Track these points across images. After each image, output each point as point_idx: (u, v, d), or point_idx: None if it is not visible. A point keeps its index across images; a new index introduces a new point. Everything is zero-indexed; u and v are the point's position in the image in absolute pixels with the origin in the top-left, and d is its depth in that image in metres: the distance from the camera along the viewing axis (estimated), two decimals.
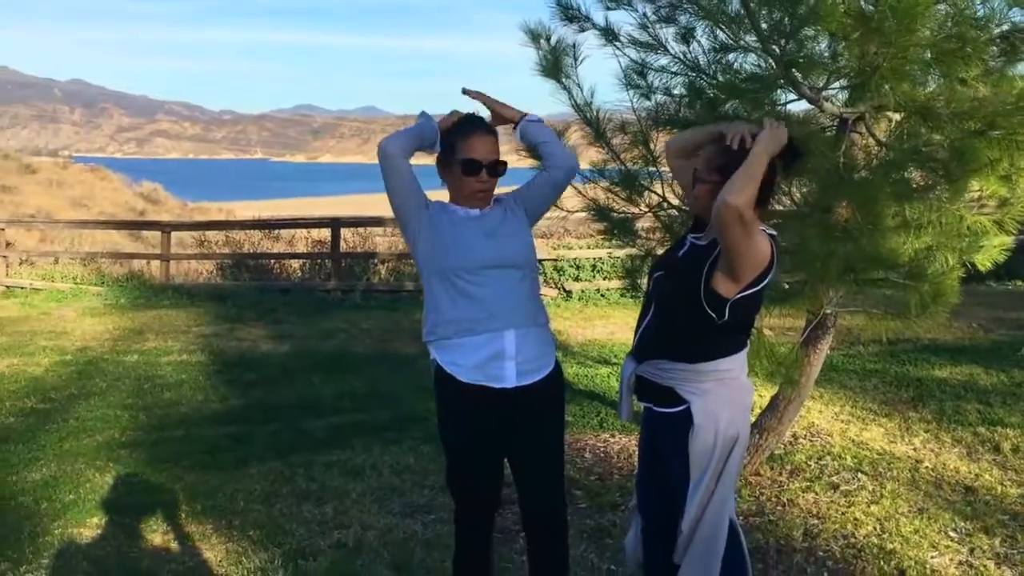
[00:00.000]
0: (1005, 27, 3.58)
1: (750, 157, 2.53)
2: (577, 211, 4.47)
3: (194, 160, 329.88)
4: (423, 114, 2.98)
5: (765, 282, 2.64)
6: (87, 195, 35.72)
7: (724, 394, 2.71)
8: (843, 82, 3.58)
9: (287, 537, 4.20)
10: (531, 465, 2.97)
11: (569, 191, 4.40)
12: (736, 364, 2.74)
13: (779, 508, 4.40)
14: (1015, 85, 3.63)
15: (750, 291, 2.62)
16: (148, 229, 19.69)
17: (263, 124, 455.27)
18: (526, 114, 3.03)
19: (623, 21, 4.24)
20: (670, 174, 4.25)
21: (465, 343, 2.84)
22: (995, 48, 3.69)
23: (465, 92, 3.03)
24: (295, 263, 14.56)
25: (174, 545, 4.20)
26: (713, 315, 2.63)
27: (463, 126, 2.91)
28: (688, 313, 2.67)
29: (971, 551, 3.90)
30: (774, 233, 2.69)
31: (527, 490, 3.00)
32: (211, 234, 15.98)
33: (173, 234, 14.48)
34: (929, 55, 3.39)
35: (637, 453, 3.08)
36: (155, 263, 14.51)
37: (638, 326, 2.88)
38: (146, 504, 4.68)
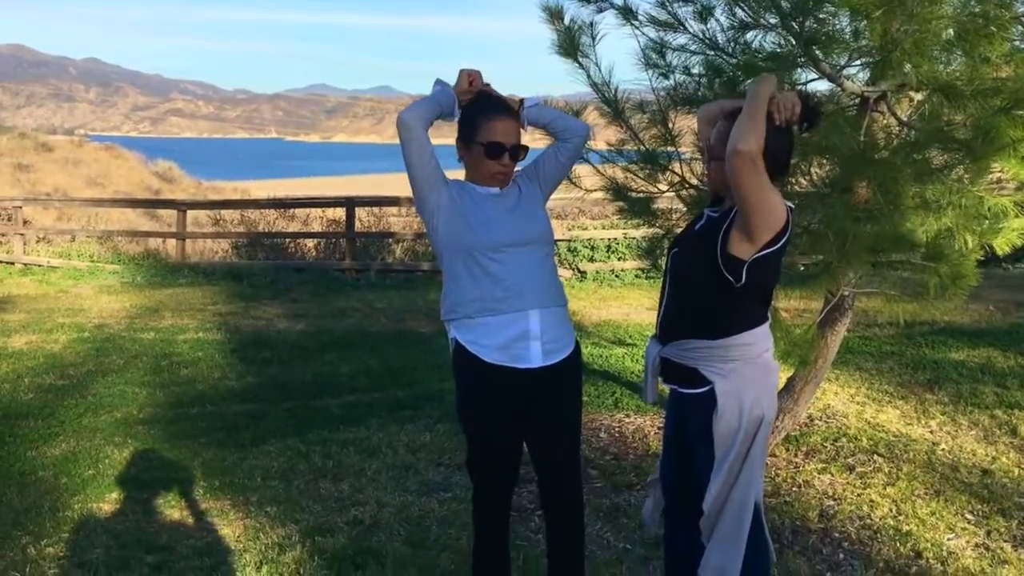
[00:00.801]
0: None
1: (747, 100, 2.52)
2: (596, 190, 4.45)
3: (208, 139, 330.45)
4: (438, 81, 2.96)
5: (781, 243, 2.58)
6: (103, 173, 35.84)
7: (749, 374, 2.68)
8: (864, 60, 3.54)
9: (304, 514, 4.23)
10: (551, 445, 2.98)
11: (587, 171, 4.39)
12: (759, 338, 2.71)
13: (795, 489, 4.40)
14: None
15: (767, 251, 2.56)
16: (164, 208, 19.75)
17: (277, 103, 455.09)
18: (523, 100, 3.01)
19: (641, 0, 4.22)
20: (687, 153, 4.24)
21: (488, 322, 2.82)
22: (1020, 26, 3.64)
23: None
24: (310, 242, 14.61)
25: (192, 520, 4.24)
26: (731, 278, 2.59)
27: (485, 107, 2.89)
28: (706, 283, 2.65)
29: (988, 533, 3.89)
30: (791, 205, 2.66)
31: (546, 469, 3.01)
32: (226, 213, 16.05)
33: (189, 213, 14.54)
34: (952, 33, 3.36)
35: (663, 433, 3.06)
36: (171, 242, 14.59)
37: (659, 308, 2.87)
38: (164, 480, 4.73)
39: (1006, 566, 3.59)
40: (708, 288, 2.66)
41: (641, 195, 4.35)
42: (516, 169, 2.98)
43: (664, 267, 2.91)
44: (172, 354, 7.78)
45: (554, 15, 4.16)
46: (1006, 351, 7.03)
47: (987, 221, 3.69)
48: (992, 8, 3.23)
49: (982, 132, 3.08)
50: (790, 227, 2.58)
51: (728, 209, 2.66)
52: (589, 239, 12.59)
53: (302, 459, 4.98)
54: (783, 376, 5.05)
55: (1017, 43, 3.69)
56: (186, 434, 5.51)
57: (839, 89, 3.60)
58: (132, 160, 40.66)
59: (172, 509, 4.38)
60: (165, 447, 5.27)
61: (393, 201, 14.25)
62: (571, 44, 4.12)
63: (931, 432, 5.20)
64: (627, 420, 5.56)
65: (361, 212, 14.61)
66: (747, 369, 2.69)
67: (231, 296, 11.20)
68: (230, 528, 4.12)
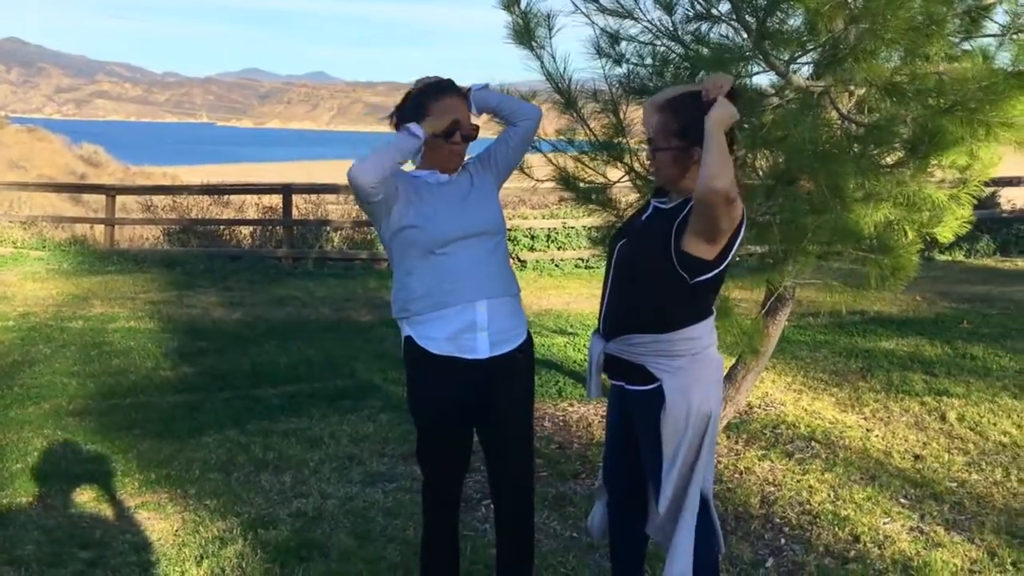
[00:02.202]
0: (968, 2, 3.62)
1: (707, 137, 2.46)
2: (547, 180, 4.45)
3: (136, 123, 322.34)
4: (405, 129, 2.72)
5: (739, 238, 2.61)
6: (25, 156, 34.66)
7: (696, 370, 2.67)
8: (811, 56, 3.59)
9: (245, 506, 4.16)
10: (502, 436, 2.96)
11: (538, 160, 4.38)
12: (704, 333, 2.70)
13: (736, 476, 4.46)
14: (975, 61, 3.68)
15: (728, 249, 2.59)
16: (92, 192, 19.16)
17: (208, 87, 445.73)
18: (469, 87, 2.97)
19: None
20: (636, 145, 4.24)
21: (438, 316, 2.79)
22: (956, 22, 3.73)
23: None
24: (245, 230, 14.35)
25: (128, 515, 4.13)
26: (684, 275, 2.58)
27: (434, 89, 2.85)
28: (656, 277, 2.63)
29: (921, 517, 4.00)
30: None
31: (497, 460, 2.99)
32: (157, 199, 15.68)
33: (118, 198, 14.16)
34: (894, 33, 3.41)
35: (606, 423, 3.05)
36: (99, 228, 14.20)
37: (602, 302, 2.83)
38: (98, 473, 4.60)
39: (940, 549, 3.70)
40: (658, 282, 2.63)
41: (591, 185, 4.36)
42: (467, 157, 2.95)
43: (608, 259, 2.85)
44: (103, 343, 7.58)
45: (512, 1, 4.12)
46: (933, 340, 7.24)
47: (928, 213, 3.78)
48: (935, 7, 3.29)
49: (927, 133, 3.14)
50: (744, 219, 2.60)
51: (679, 204, 2.65)
52: (529, 228, 12.61)
53: (242, 450, 4.89)
54: (725, 365, 5.13)
55: (955, 41, 3.78)
56: (120, 426, 5.37)
57: (786, 83, 3.64)
58: (56, 143, 39.41)
59: (107, 503, 4.26)
60: (98, 439, 5.12)
61: (331, 189, 14.08)
62: (527, 32, 4.10)
63: (865, 419, 5.33)
64: (571, 409, 5.59)
65: (298, 199, 14.40)
66: (694, 365, 2.67)
67: (163, 284, 10.94)
68: (168, 522, 4.03)
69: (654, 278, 2.65)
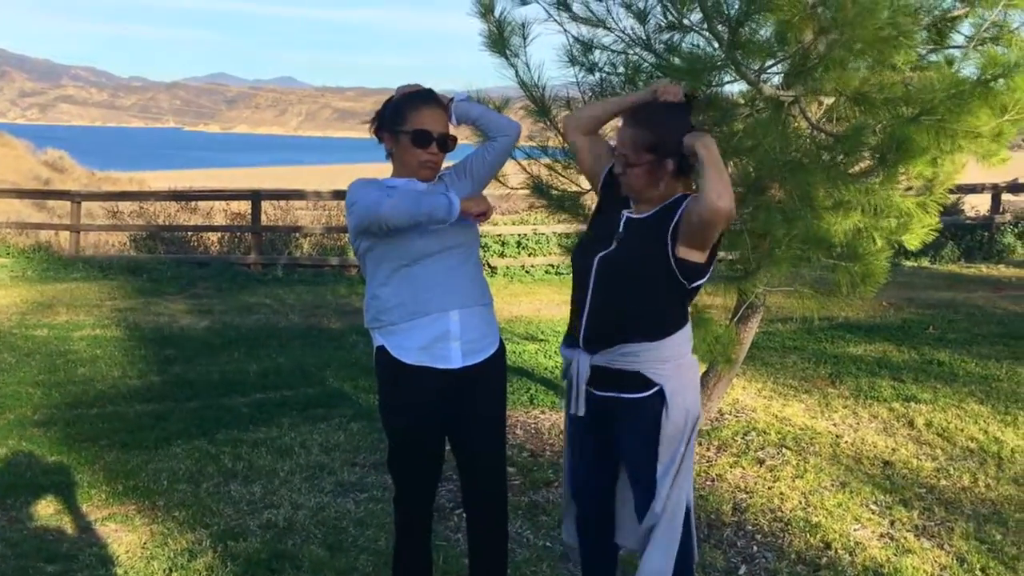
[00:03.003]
0: (935, 14, 3.67)
1: (704, 156, 2.52)
2: (521, 188, 4.45)
3: (102, 128, 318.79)
4: (448, 200, 2.72)
5: (723, 238, 2.72)
6: None
7: (686, 373, 2.72)
8: (783, 65, 3.62)
9: (215, 518, 4.11)
10: (474, 445, 2.95)
11: (511, 167, 4.38)
12: (687, 338, 2.76)
13: (708, 483, 4.48)
14: (943, 72, 3.73)
15: (717, 250, 2.71)
16: (56, 199, 18.88)
17: (175, 92, 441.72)
18: (452, 97, 2.97)
19: None
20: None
21: (411, 326, 2.79)
22: (924, 34, 3.78)
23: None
24: (213, 236, 14.21)
25: (95, 527, 4.06)
26: (683, 281, 2.65)
27: (413, 96, 2.85)
28: (650, 285, 2.65)
29: (891, 523, 4.03)
30: None
31: (469, 469, 2.99)
32: (123, 205, 15.48)
33: (83, 204, 13.98)
34: (863, 43, 3.45)
35: (569, 443, 2.98)
36: (64, 234, 14.01)
37: (579, 316, 2.77)
38: (64, 485, 4.52)
39: (910, 555, 3.73)
40: (652, 289, 2.66)
41: (564, 193, 4.37)
42: (446, 165, 2.94)
43: (584, 274, 2.77)
44: (68, 352, 7.46)
45: (487, 9, 4.13)
46: (900, 345, 7.32)
47: (896, 221, 3.82)
48: (903, 18, 3.33)
49: (895, 141, 3.18)
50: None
51: (657, 213, 2.68)
52: (500, 235, 12.60)
53: (211, 460, 4.83)
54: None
55: (921, 51, 3.83)
56: (86, 436, 5.29)
57: (757, 92, 3.67)
58: (19, 148, 38.80)
59: (73, 516, 4.19)
60: (63, 450, 5.04)
61: (300, 195, 14.00)
62: (501, 40, 4.10)
63: (834, 425, 5.37)
64: (543, 417, 5.58)
65: (267, 205, 14.30)
66: (684, 369, 2.72)
67: (130, 291, 10.81)
68: (136, 534, 3.97)
69: (647, 285, 2.66)
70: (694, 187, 2.70)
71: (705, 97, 2.77)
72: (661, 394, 2.67)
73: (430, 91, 2.89)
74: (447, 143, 2.85)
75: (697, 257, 2.63)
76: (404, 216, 2.67)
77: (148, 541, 3.90)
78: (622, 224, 2.77)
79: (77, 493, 4.42)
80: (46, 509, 4.26)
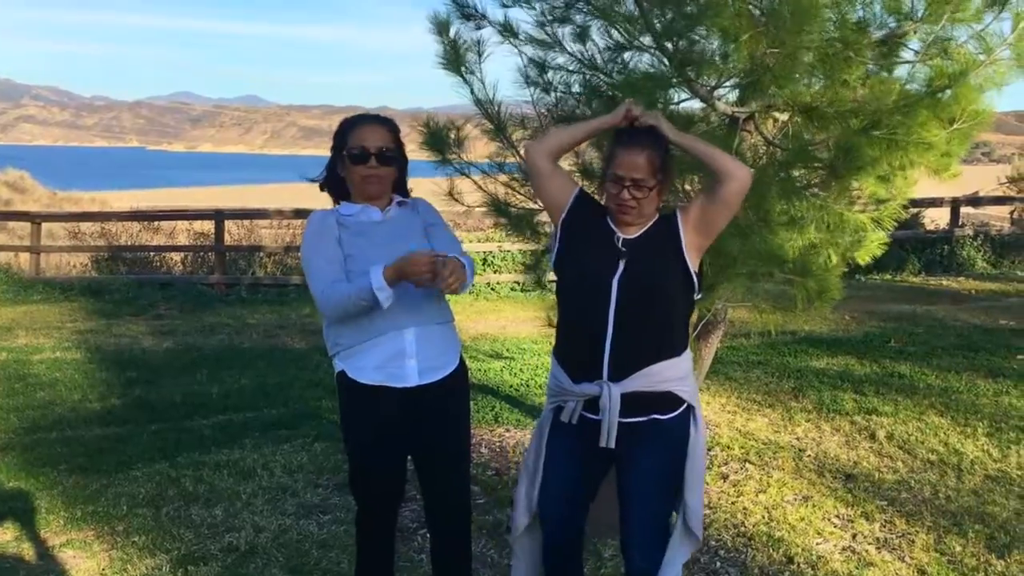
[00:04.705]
0: (884, 31, 3.73)
1: (693, 144, 2.69)
2: (478, 206, 4.46)
3: (63, 147, 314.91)
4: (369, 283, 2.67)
5: None
6: None
7: (695, 385, 2.81)
8: (734, 82, 3.67)
9: (175, 542, 4.05)
10: (436, 464, 2.95)
11: (467, 185, 4.39)
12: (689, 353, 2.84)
13: None
14: (893, 87, 3.79)
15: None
16: (16, 220, 18.61)
17: (138, 111, 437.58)
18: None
19: (521, 19, 4.27)
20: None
21: (367, 346, 2.79)
22: (874, 51, 3.84)
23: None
24: (176, 256, 14.07)
25: (53, 553, 3.99)
26: (696, 293, 2.75)
27: (353, 120, 2.91)
28: (669, 303, 2.68)
29: (853, 537, 4.07)
30: None
31: (432, 489, 2.98)
32: (85, 225, 15.28)
33: (43, 225, 13.80)
34: (813, 57, 3.51)
35: (552, 481, 2.83)
36: (23, 255, 13.80)
37: (598, 344, 2.65)
38: (21, 511, 4.44)
39: (871, 568, 3.76)
40: (670, 306, 2.70)
41: (521, 211, 4.39)
42: (411, 195, 2.94)
43: (595, 297, 2.67)
44: (27, 375, 7.35)
45: (441, 28, 4.14)
46: (862, 359, 7.40)
47: (849, 236, 3.87)
48: (850, 33, 3.39)
49: (843, 152, 3.24)
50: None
51: (653, 228, 2.72)
52: (464, 252, 12.57)
53: (172, 484, 4.77)
54: None
55: (871, 66, 3.89)
56: (44, 460, 5.20)
57: (711, 109, 3.71)
58: None
59: (30, 542, 4.11)
60: (21, 475, 4.95)
61: (263, 214, 13.94)
62: (456, 59, 4.12)
63: (798, 439, 5.41)
64: (507, 435, 5.57)
65: (230, 224, 14.19)
66: (694, 385, 2.80)
67: (91, 313, 10.67)
68: (94, 560, 3.91)
69: (668, 301, 2.69)
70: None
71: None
72: (689, 411, 2.72)
73: (374, 115, 2.94)
74: (386, 156, 2.85)
75: (696, 265, 2.72)
76: (339, 312, 2.76)
77: (107, 567, 3.84)
78: (621, 244, 2.72)
79: (35, 519, 4.35)
80: (3, 535, 4.18)
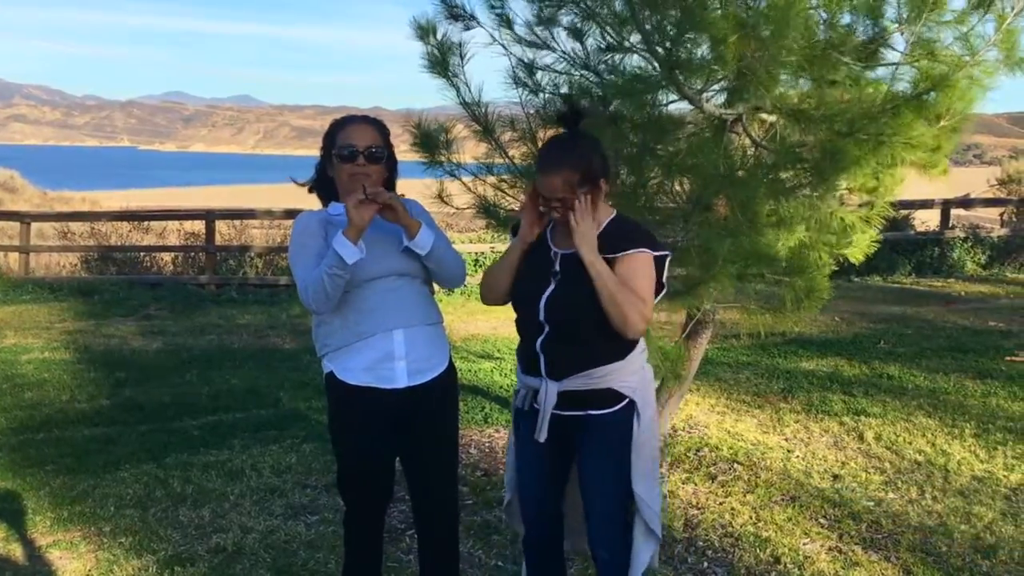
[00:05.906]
0: (868, 34, 3.75)
1: (595, 273, 2.60)
2: (467, 208, 4.46)
3: (54, 147, 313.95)
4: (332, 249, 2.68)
5: (661, 294, 2.81)
6: None
7: (647, 383, 2.81)
8: (723, 84, 3.68)
9: (162, 543, 4.04)
10: (424, 465, 2.95)
11: (456, 187, 4.39)
12: (644, 347, 2.84)
13: (661, 499, 4.49)
14: (879, 89, 3.81)
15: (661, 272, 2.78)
16: (6, 220, 18.54)
17: (130, 111, 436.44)
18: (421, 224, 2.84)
19: (511, 18, 4.25)
20: None
21: (355, 347, 2.79)
22: (859, 53, 3.86)
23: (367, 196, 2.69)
24: (166, 256, 14.03)
25: (39, 554, 3.98)
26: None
27: (341, 120, 2.91)
28: (596, 325, 2.66)
29: (840, 537, 4.08)
30: (668, 254, 2.76)
31: (420, 489, 2.98)
32: (75, 225, 15.23)
33: (33, 225, 13.76)
34: (797, 59, 3.52)
35: (524, 469, 2.94)
36: (13, 255, 13.75)
37: (536, 346, 2.73)
38: (7, 512, 4.42)
39: (857, 568, 3.77)
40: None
41: (511, 213, 4.39)
42: (403, 195, 2.91)
43: (528, 309, 2.76)
44: (15, 376, 7.32)
45: (426, 32, 4.14)
46: (851, 360, 7.42)
47: (835, 236, 3.89)
48: (836, 36, 3.41)
49: (829, 154, 3.25)
50: (666, 279, 2.77)
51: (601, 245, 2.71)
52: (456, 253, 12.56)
53: (159, 485, 4.76)
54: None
55: (856, 68, 3.91)
56: (31, 461, 5.18)
57: (699, 111, 3.72)
58: None
59: (16, 543, 4.10)
60: (8, 476, 4.93)
61: (252, 214, 13.93)
62: (442, 61, 4.12)
63: (786, 440, 5.42)
64: (497, 436, 5.57)
65: (221, 225, 14.16)
66: (647, 379, 2.82)
67: (80, 313, 10.64)
68: (81, 561, 3.89)
69: (593, 326, 2.66)
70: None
71: (588, 103, 2.82)
72: (631, 405, 2.73)
73: (365, 115, 2.94)
74: (374, 154, 2.84)
75: None
76: (321, 296, 2.70)
77: (93, 568, 3.82)
78: (557, 262, 2.75)
79: (21, 520, 4.33)
80: None
